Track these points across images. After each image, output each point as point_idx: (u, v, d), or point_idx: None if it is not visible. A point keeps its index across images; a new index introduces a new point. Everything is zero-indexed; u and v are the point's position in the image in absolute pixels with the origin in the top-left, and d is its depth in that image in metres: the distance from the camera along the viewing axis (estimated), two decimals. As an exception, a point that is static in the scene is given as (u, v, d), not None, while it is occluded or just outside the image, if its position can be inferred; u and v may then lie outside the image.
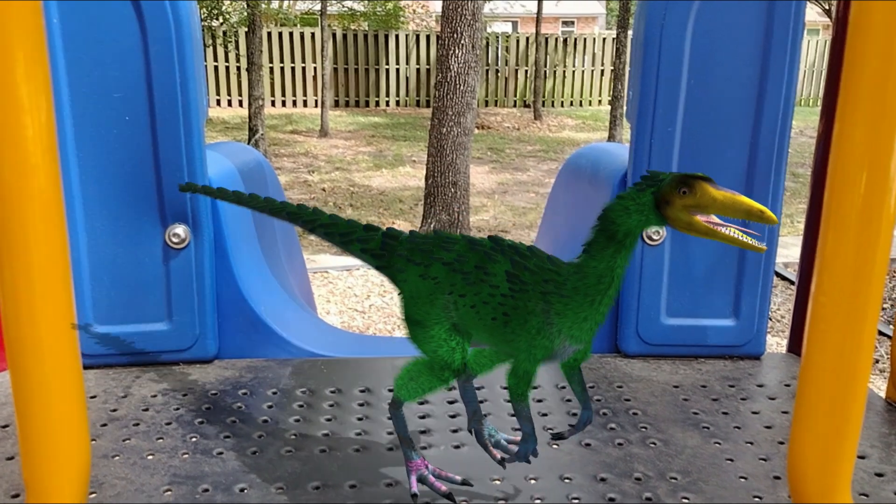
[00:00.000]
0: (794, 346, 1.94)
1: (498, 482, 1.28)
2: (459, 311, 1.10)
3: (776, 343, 4.38)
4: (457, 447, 1.40)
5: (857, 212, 0.96)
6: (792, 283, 5.46)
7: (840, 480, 1.00)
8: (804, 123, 14.48)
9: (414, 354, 1.17)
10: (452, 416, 1.52)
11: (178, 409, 1.54)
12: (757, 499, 1.25)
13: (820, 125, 1.85)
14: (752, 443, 1.44)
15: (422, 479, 1.18)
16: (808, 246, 1.91)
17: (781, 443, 1.44)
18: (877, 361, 4.08)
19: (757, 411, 1.57)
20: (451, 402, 1.58)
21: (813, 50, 18.79)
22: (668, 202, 0.97)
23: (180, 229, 1.68)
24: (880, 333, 4.24)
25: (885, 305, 4.90)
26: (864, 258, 0.97)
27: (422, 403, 1.57)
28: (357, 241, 1.19)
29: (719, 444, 1.43)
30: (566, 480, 1.29)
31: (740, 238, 0.98)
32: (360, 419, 1.51)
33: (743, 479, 1.31)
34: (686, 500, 1.24)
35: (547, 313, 1.04)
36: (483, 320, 1.08)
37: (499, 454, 1.24)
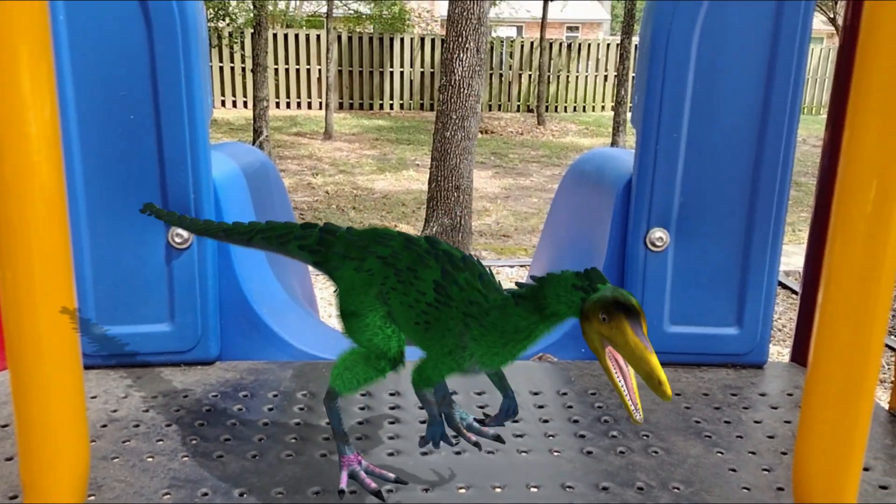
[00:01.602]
0: (798, 355, 1.93)
1: (499, 490, 1.28)
2: (391, 302, 1.10)
3: (777, 352, 4.37)
4: (458, 453, 1.39)
5: (866, 221, 0.96)
6: (793, 291, 5.45)
7: (846, 492, 0.99)
8: (807, 132, 14.48)
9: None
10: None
11: (178, 410, 1.53)
12: (760, 509, 1.24)
13: (826, 134, 1.84)
14: (754, 452, 1.43)
15: (353, 475, 1.18)
16: (812, 255, 1.90)
17: (784, 453, 1.43)
18: (883, 378, 4.07)
19: (759, 420, 1.56)
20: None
21: (816, 57, 18.79)
22: (587, 319, 0.90)
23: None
24: (887, 347, 4.23)
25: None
26: (872, 268, 0.97)
27: (393, 408, 1.56)
28: (294, 238, 1.19)
29: (722, 453, 1.42)
30: (567, 489, 1.28)
31: (624, 397, 0.89)
32: (360, 423, 1.50)
33: (746, 490, 1.30)
34: (688, 510, 1.23)
35: (463, 336, 1.03)
36: (407, 321, 1.08)
37: (473, 437, 1.24)
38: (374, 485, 1.17)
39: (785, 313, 5.10)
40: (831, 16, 16.42)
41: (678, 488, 1.30)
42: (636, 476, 1.33)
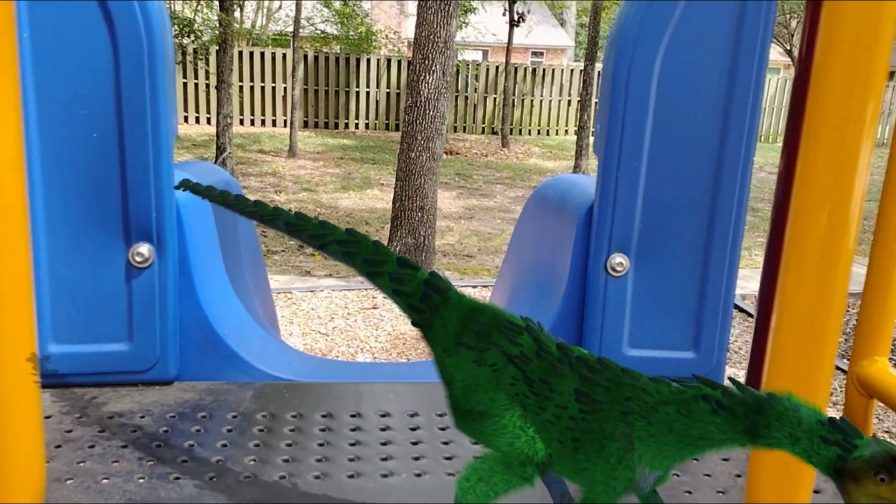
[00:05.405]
0: (753, 379, 1.96)
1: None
2: (528, 411, 0.93)
3: (733, 374, 4.44)
4: (418, 475, 1.39)
5: (818, 249, 0.99)
6: (749, 314, 5.55)
7: (796, 515, 1.01)
8: (763, 159, 14.81)
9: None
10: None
11: (135, 431, 1.51)
12: (715, 531, 1.27)
13: (781, 162, 1.90)
14: (709, 475, 1.45)
15: None
16: (766, 280, 1.95)
17: (738, 476, 1.45)
18: (832, 395, 4.16)
19: (716, 443, 1.59)
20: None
21: (773, 87, 19.28)
22: (855, 479, 0.75)
23: (144, 248, 1.66)
24: (836, 368, 4.32)
25: (839, 339, 4.99)
26: (823, 295, 1.00)
27: (354, 430, 1.56)
28: (389, 277, 1.00)
29: (677, 475, 1.45)
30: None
31: None
32: (321, 445, 1.49)
33: (701, 512, 1.32)
34: (645, 532, 1.25)
35: (629, 437, 0.87)
36: (548, 441, 0.92)
37: None
38: None
39: (741, 336, 5.19)
40: (788, 47, 16.89)
41: (635, 510, 1.31)
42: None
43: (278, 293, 5.59)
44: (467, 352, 0.95)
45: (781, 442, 0.79)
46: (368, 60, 17.35)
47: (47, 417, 1.54)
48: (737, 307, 5.71)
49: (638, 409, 0.87)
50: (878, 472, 0.74)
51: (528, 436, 0.94)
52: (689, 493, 1.38)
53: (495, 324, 0.95)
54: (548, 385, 0.91)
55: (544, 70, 18.64)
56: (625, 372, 0.90)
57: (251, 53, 16.57)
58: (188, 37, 12.39)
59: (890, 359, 1.58)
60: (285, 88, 16.50)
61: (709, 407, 0.83)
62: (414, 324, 1.01)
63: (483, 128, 18.16)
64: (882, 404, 1.55)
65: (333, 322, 5.20)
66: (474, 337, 0.95)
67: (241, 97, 16.46)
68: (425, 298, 0.98)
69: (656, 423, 0.86)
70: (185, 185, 1.25)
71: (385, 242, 6.67)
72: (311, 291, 5.84)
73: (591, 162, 11.83)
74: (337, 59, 17.14)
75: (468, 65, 18.04)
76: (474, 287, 6.11)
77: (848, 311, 5.45)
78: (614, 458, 0.88)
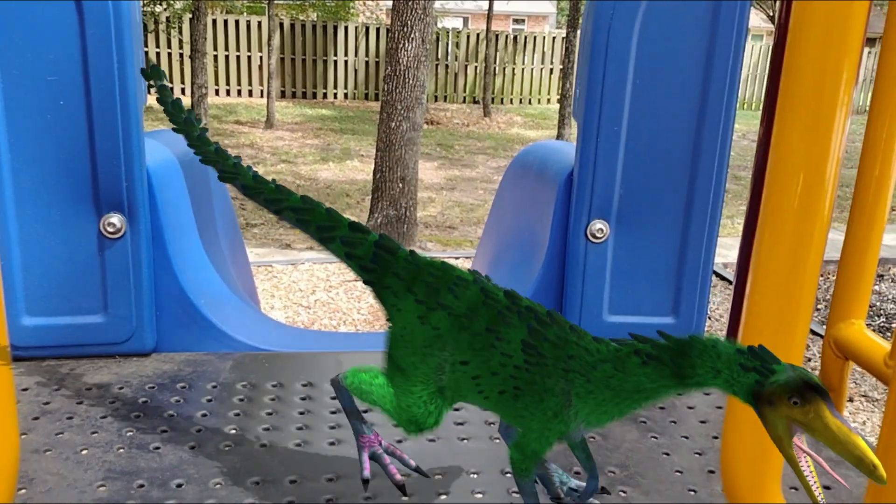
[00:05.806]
0: (731, 343, 1.98)
1: (439, 476, 1.28)
2: (455, 375, 0.96)
3: (714, 341, 4.48)
4: (399, 441, 1.39)
5: (793, 214, 0.99)
6: (731, 282, 5.60)
7: (771, 475, 1.03)
8: (747, 127, 14.84)
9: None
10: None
11: (113, 402, 1.50)
12: (692, 492, 1.28)
13: (760, 129, 1.90)
14: (687, 437, 1.47)
15: (374, 457, 1.10)
16: (745, 247, 1.96)
17: (716, 437, 1.47)
18: (808, 360, 4.22)
19: (692, 406, 1.61)
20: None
21: (756, 54, 19.28)
22: (770, 403, 0.78)
23: (115, 219, 1.63)
24: (813, 333, 4.37)
25: (818, 306, 5.06)
26: (798, 260, 1.00)
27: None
28: (342, 242, 1.03)
29: (656, 438, 1.46)
30: (507, 475, 1.30)
31: (812, 487, 0.78)
32: (301, 413, 1.49)
33: (679, 473, 1.34)
34: (623, 494, 1.26)
35: (567, 394, 0.90)
36: (490, 389, 0.95)
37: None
38: (399, 476, 1.08)
39: (722, 304, 5.24)
40: (770, 14, 16.87)
41: (613, 472, 1.33)
42: (573, 461, 1.35)
43: (258, 266, 5.56)
44: (415, 304, 0.98)
45: (705, 377, 0.82)
46: (346, 28, 17.13)
47: (24, 390, 1.53)
48: (719, 275, 5.75)
49: (579, 367, 0.90)
50: (791, 396, 0.76)
51: (427, 410, 0.99)
52: (667, 454, 1.40)
53: (445, 276, 0.98)
54: (494, 333, 0.93)
55: (526, 38, 18.50)
56: (572, 329, 0.92)
57: (225, 21, 16.28)
58: (160, 4, 12.17)
59: (868, 324, 1.60)
60: (261, 57, 16.26)
61: (640, 360, 0.86)
62: (366, 283, 1.04)
63: (464, 97, 18.05)
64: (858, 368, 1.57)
65: (315, 295, 5.18)
66: (424, 289, 0.98)
67: (216, 67, 16.20)
68: (376, 258, 1.01)
69: (594, 381, 0.89)
70: (154, 76, 1.19)
71: (366, 214, 6.64)
72: (292, 264, 5.81)
73: (574, 131, 11.80)
74: (314, 27, 16.90)
75: (448, 32, 17.87)
76: (457, 258, 6.10)
77: (827, 278, 5.51)
78: (551, 412, 0.92)
